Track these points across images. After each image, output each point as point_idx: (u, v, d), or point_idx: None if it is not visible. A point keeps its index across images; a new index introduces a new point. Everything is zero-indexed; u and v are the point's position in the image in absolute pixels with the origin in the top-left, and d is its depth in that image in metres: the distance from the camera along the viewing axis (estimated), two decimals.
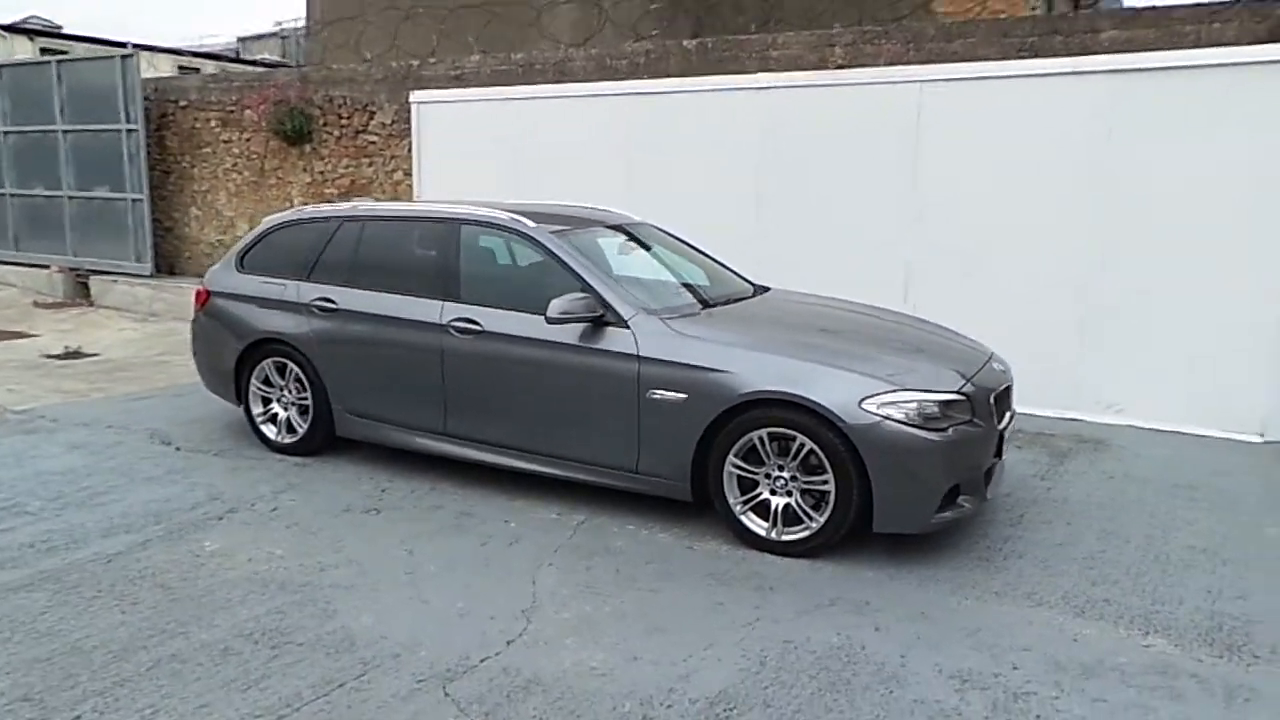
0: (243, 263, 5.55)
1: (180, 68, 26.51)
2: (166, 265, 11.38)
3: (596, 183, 7.86)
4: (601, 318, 4.25)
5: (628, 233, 5.28)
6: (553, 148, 8.26)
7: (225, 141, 10.75)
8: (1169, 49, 5.96)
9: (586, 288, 4.34)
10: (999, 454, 4.16)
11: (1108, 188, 6.14)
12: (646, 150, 7.78)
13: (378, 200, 5.83)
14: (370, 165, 9.63)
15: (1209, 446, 5.73)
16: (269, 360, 5.27)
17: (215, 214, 11.02)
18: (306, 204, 9.88)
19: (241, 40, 36.05)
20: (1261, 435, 5.89)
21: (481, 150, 8.64)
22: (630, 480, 4.29)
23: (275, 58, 30.11)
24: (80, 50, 19.60)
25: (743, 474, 3.99)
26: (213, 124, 10.81)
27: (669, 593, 3.63)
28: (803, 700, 2.87)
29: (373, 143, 9.59)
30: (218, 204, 10.98)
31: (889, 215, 6.86)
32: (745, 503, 4.01)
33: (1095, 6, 14.94)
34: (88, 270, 11.36)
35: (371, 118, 9.54)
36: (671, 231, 5.61)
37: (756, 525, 3.99)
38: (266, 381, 5.34)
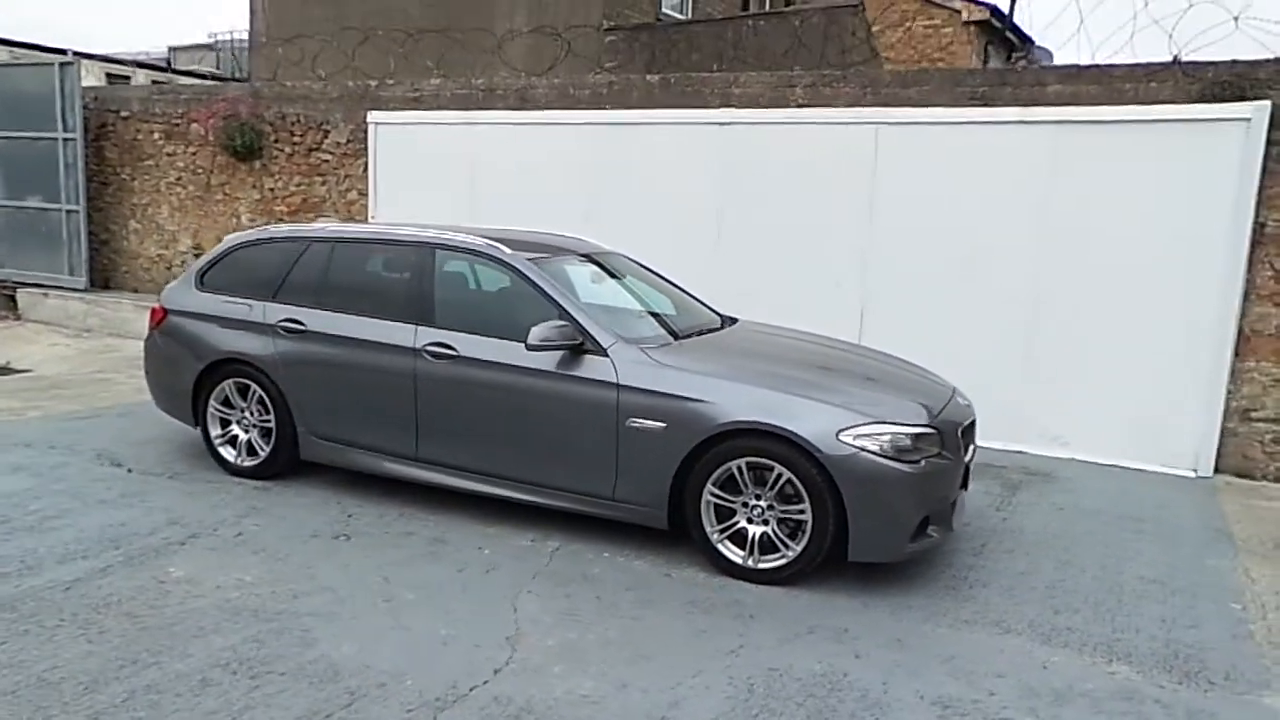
0: (203, 281, 5.42)
1: (109, 75, 25.72)
2: (101, 279, 10.98)
3: (556, 210, 7.90)
4: (581, 345, 4.28)
5: (598, 262, 5.33)
6: (513, 174, 8.29)
7: (169, 154, 10.47)
8: (1110, 104, 6.32)
9: (564, 315, 4.37)
10: (964, 485, 4.31)
11: (1051, 230, 6.46)
12: (607, 180, 7.87)
13: (340, 220, 5.74)
14: (323, 184, 9.49)
15: (1147, 481, 6.02)
16: (230, 381, 5.15)
17: (156, 228, 10.70)
18: (255, 220, 9.71)
19: (173, 50, 35.16)
20: (1194, 470, 6.21)
21: (439, 173, 8.63)
22: (606, 507, 4.31)
23: (209, 69, 29.42)
24: (2, 53, 18.88)
25: (720, 502, 4.05)
26: (156, 136, 10.53)
27: (651, 620, 3.65)
28: None
29: (326, 161, 9.46)
30: (159, 218, 10.66)
31: (845, 250, 7.07)
32: (722, 531, 4.07)
33: (1028, 59, 15.71)
34: (15, 283, 10.89)
35: (326, 136, 9.43)
36: (640, 261, 5.68)
37: (733, 553, 4.05)
38: (226, 403, 5.20)
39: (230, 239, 5.53)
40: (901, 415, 3.98)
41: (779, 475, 3.92)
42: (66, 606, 3.54)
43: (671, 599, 3.85)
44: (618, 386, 4.18)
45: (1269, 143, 5.89)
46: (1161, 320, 6.23)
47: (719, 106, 7.54)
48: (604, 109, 7.98)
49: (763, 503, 3.99)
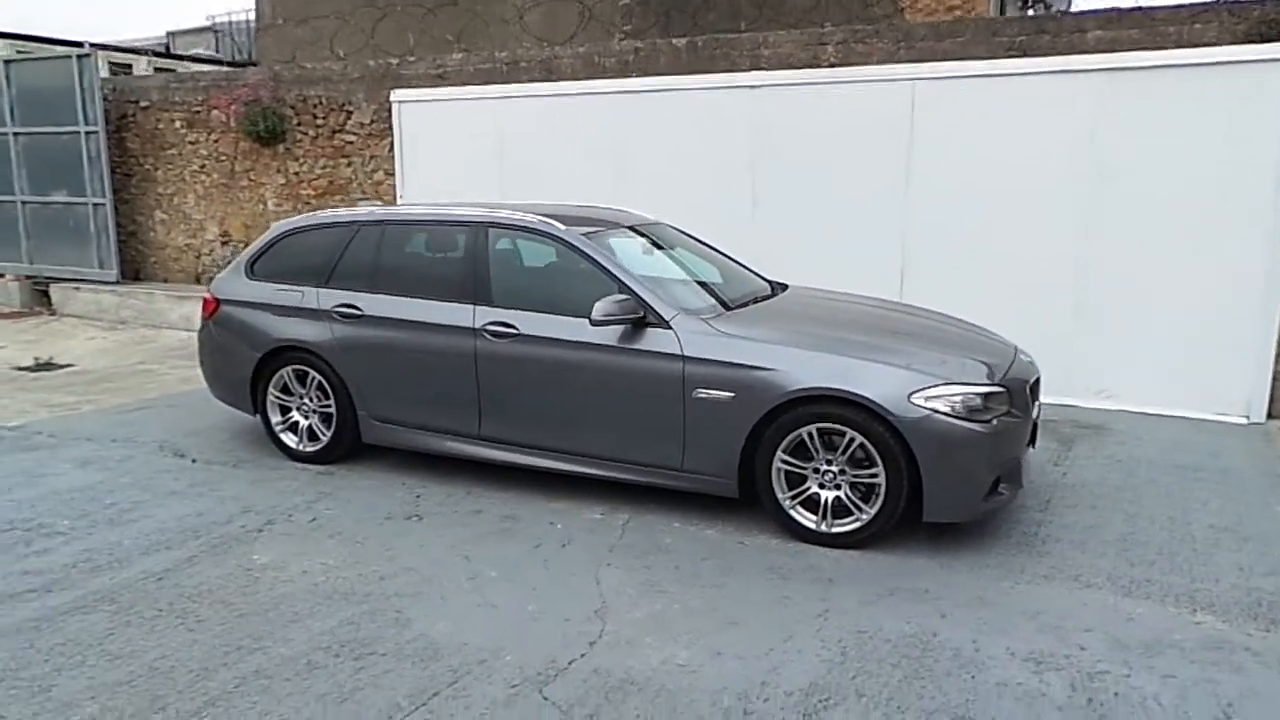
0: (253, 269, 5.45)
1: (112, 65, 25.56)
2: (131, 271, 11.03)
3: (587, 182, 7.89)
4: (643, 319, 4.29)
5: (644, 233, 5.32)
6: (541, 146, 8.25)
7: (191, 143, 10.46)
8: (1153, 49, 6.22)
9: (624, 289, 4.37)
10: (1031, 443, 4.32)
11: (1097, 182, 6.39)
12: (638, 149, 7.83)
13: (374, 201, 5.70)
14: (349, 165, 9.48)
15: (1199, 429, 6.01)
16: (288, 368, 5.19)
17: (183, 217, 10.72)
18: (281, 206, 9.71)
19: (171, 34, 34.87)
20: (1246, 417, 6.20)
21: (466, 149, 8.59)
22: (675, 478, 4.35)
23: (210, 53, 29.15)
24: (4, 48, 18.77)
25: (790, 469, 4.08)
26: (177, 125, 10.51)
27: (733, 588, 3.70)
28: (892, 688, 2.97)
29: (350, 142, 9.44)
30: (185, 207, 10.68)
31: (884, 211, 7.02)
32: (794, 497, 4.10)
33: (1046, 4, 15.39)
34: (47, 278, 10.97)
35: (349, 117, 9.39)
36: (685, 230, 5.67)
37: (805, 519, 4.09)
38: (285, 390, 5.25)
39: (278, 226, 5.54)
40: (971, 375, 3.99)
41: (850, 440, 3.93)
42: (162, 597, 3.61)
43: (749, 566, 3.89)
44: (683, 358, 4.20)
45: None
46: (1210, 268, 6.17)
47: (749, 69, 7.46)
48: (631, 76, 7.91)
49: (834, 467, 4.01)
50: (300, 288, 5.19)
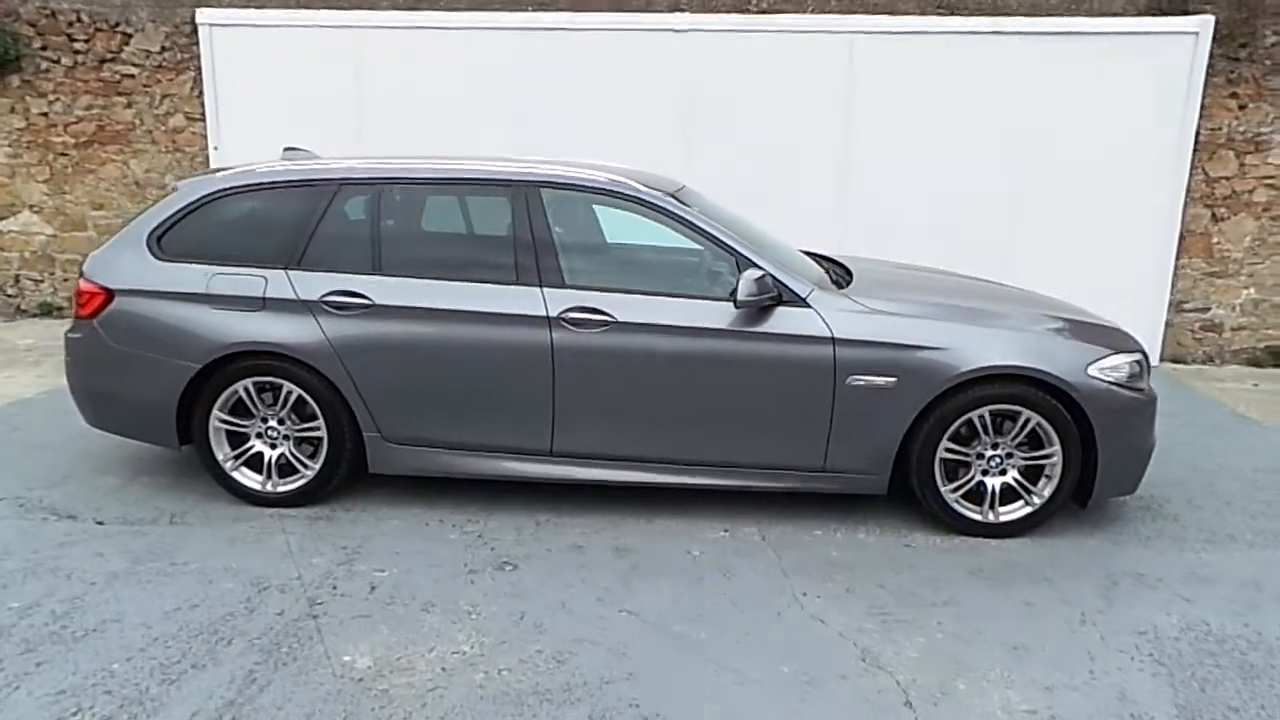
0: (162, 245, 3.89)
1: None
2: None
3: (476, 134, 6.78)
4: (777, 298, 3.62)
5: (681, 200, 4.52)
6: (414, 90, 6.95)
7: None
8: (1069, 14, 6.52)
9: (745, 263, 3.66)
10: None
11: (1018, 141, 6.63)
12: (542, 98, 6.86)
13: (303, 151, 4.08)
14: (129, 106, 7.34)
15: None
16: (247, 381, 3.78)
17: None
18: (19, 158, 7.40)
19: None
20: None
21: (310, 92, 7.03)
22: (814, 480, 3.76)
23: None
24: None
25: (952, 457, 3.68)
26: None
27: (968, 604, 3.23)
28: (1250, 694, 2.71)
29: (130, 76, 7.30)
30: None
31: (823, 169, 6.78)
32: (956, 489, 3.71)
33: None
34: None
35: (127, 41, 7.24)
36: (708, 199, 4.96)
37: (970, 510, 3.72)
38: (237, 410, 3.83)
39: (194, 185, 3.98)
40: (1123, 343, 3.83)
41: (1026, 421, 3.62)
42: None
43: (951, 573, 3.45)
44: (832, 340, 3.59)
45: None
46: (1120, 226, 6.69)
47: (668, 10, 6.78)
48: (527, 10, 6.87)
49: (1001, 451, 3.68)
50: (258, 271, 3.78)
